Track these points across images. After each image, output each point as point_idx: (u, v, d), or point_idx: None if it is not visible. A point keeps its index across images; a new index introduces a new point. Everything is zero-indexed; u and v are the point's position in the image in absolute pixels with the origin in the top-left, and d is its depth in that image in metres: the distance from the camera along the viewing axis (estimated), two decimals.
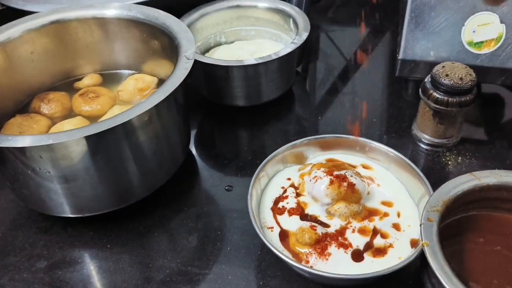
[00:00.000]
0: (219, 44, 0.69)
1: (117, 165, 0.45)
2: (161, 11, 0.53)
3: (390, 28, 0.81)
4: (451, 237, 0.42)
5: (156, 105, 0.43)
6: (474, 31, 0.55)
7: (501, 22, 0.54)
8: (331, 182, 0.42)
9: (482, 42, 0.55)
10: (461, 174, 0.52)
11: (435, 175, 0.53)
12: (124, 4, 0.55)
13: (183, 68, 0.45)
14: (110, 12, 0.54)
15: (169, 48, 0.51)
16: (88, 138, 0.40)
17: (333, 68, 0.73)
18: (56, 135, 0.39)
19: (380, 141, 0.58)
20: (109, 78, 0.59)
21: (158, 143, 0.48)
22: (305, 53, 0.75)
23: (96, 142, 0.42)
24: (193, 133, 0.61)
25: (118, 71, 0.59)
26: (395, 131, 0.59)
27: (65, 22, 0.54)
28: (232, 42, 0.69)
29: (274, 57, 0.56)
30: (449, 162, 0.54)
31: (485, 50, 0.55)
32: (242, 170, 0.55)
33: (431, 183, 0.52)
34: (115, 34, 0.55)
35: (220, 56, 0.66)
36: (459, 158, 0.55)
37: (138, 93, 0.56)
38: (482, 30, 0.55)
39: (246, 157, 0.57)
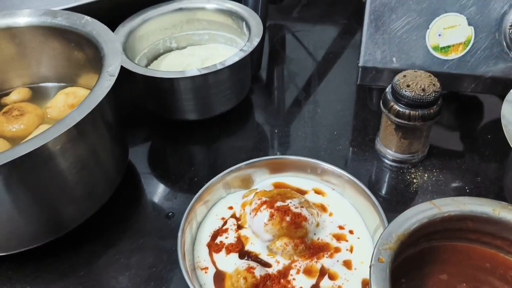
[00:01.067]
0: (169, 50, 0.63)
1: (36, 197, 0.40)
2: (88, 18, 0.47)
3: (359, 29, 0.75)
4: (412, 272, 0.37)
5: (75, 127, 0.37)
6: (439, 35, 0.50)
7: (469, 24, 0.49)
8: (272, 216, 0.37)
9: (449, 46, 0.50)
10: (427, 193, 0.48)
11: (398, 195, 0.48)
12: (48, 10, 0.49)
13: (103, 87, 0.39)
14: (28, 19, 0.48)
15: (98, 59, 0.45)
16: None
17: (296, 74, 0.67)
18: None
19: (342, 156, 0.53)
20: (39, 92, 0.53)
21: (84, 168, 0.42)
22: (268, 56, 0.69)
23: (6, 173, 0.36)
24: (137, 151, 0.55)
25: (49, 84, 0.53)
26: (357, 146, 0.54)
27: None
28: (184, 48, 0.64)
29: (220, 66, 0.50)
30: (414, 180, 0.49)
31: (452, 56, 0.50)
32: (187, 192, 0.49)
33: (393, 205, 0.47)
34: (39, 44, 0.49)
35: (170, 64, 0.60)
36: (425, 175, 0.50)
37: (69, 109, 0.50)
38: (448, 33, 0.49)
39: (192, 177, 0.51)
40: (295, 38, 0.76)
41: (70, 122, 0.37)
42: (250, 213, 0.39)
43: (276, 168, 0.44)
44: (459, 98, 0.59)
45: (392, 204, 0.47)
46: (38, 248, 0.42)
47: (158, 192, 0.51)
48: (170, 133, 0.57)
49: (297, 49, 0.74)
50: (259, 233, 0.37)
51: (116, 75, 0.40)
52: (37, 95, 0.53)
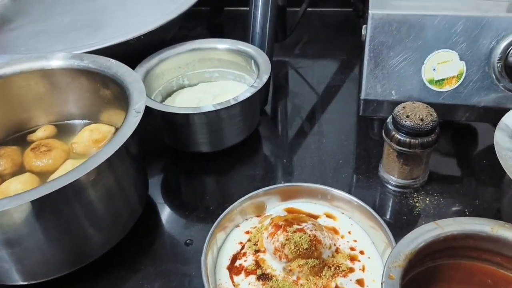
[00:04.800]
0: (182, 87, 0.68)
1: (67, 227, 0.43)
2: (113, 61, 0.51)
3: (357, 63, 0.80)
4: None
5: (106, 161, 0.41)
6: (434, 69, 0.54)
7: (461, 59, 0.54)
8: (287, 239, 0.40)
9: (443, 79, 0.54)
10: (429, 216, 0.52)
11: (403, 219, 0.51)
12: (76, 54, 0.53)
13: (132, 123, 0.43)
14: (59, 62, 0.53)
15: (122, 98, 0.49)
16: (31, 203, 0.38)
17: (300, 108, 0.72)
18: None
19: (348, 184, 0.57)
20: (64, 129, 0.57)
21: (111, 199, 0.45)
22: (273, 91, 0.74)
23: (39, 206, 0.39)
24: (155, 182, 0.59)
25: (74, 121, 0.57)
26: (362, 173, 0.57)
27: (12, 75, 0.52)
28: (195, 85, 0.68)
29: (233, 102, 0.55)
30: (417, 204, 0.53)
31: (446, 88, 0.55)
32: (203, 221, 0.52)
33: (399, 227, 0.50)
34: (67, 85, 0.54)
35: (183, 100, 0.65)
36: (427, 199, 0.53)
37: (93, 145, 0.53)
38: (442, 68, 0.54)
39: (208, 206, 0.54)
40: (297, 74, 0.81)
41: (103, 156, 0.40)
42: (267, 238, 0.42)
43: (288, 195, 0.48)
44: (454, 126, 0.63)
45: (398, 226, 0.50)
46: (68, 275, 0.45)
47: (175, 221, 0.54)
48: (184, 165, 0.61)
49: (300, 83, 0.79)
50: (276, 255, 0.40)
51: (142, 112, 0.44)
52: (62, 132, 0.57)
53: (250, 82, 0.65)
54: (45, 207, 0.40)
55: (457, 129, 0.63)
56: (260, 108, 0.66)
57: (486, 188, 0.54)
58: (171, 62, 0.64)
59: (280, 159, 0.61)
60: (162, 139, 0.61)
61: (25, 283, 0.44)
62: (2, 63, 0.54)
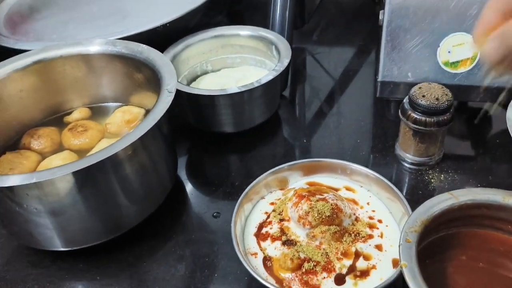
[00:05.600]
0: (205, 73, 0.71)
1: (105, 198, 0.46)
2: (144, 46, 0.55)
3: (373, 48, 0.82)
4: (435, 255, 0.43)
5: (140, 138, 0.44)
6: (449, 52, 0.56)
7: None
8: (311, 207, 0.43)
9: (458, 61, 0.57)
10: (444, 191, 0.54)
11: (419, 194, 0.54)
12: (109, 40, 0.57)
13: (165, 102, 0.46)
14: (96, 48, 0.56)
15: (153, 80, 0.53)
16: (73, 174, 0.42)
17: (319, 91, 0.74)
18: (39, 174, 0.40)
19: (365, 161, 0.59)
20: (97, 111, 0.61)
21: (145, 174, 0.49)
22: (291, 76, 0.77)
23: (81, 177, 0.43)
24: (181, 160, 0.62)
25: (107, 104, 0.61)
26: (379, 151, 0.60)
27: (51, 60, 0.56)
28: (218, 70, 0.71)
29: (256, 84, 0.58)
30: (432, 180, 0.55)
31: (461, 69, 0.57)
32: (229, 196, 0.56)
33: (414, 201, 0.52)
34: (102, 69, 0.57)
35: (207, 84, 0.68)
36: (442, 175, 0.56)
37: (125, 125, 0.57)
38: (457, 50, 0.56)
39: (233, 182, 0.58)
40: (315, 60, 0.84)
41: (139, 132, 0.44)
42: (291, 207, 0.45)
43: (310, 170, 0.51)
44: (469, 110, 0.65)
45: (413, 200, 0.52)
46: (105, 243, 0.49)
47: (203, 196, 0.57)
48: (209, 144, 0.64)
49: (318, 69, 0.81)
50: (300, 222, 0.43)
51: (174, 91, 0.48)
52: (96, 114, 0.60)
53: (270, 67, 0.68)
54: (85, 179, 0.44)
55: (472, 113, 0.65)
56: (280, 92, 0.69)
57: (499, 164, 0.56)
58: (196, 48, 0.68)
59: (300, 139, 0.64)
60: (188, 121, 0.65)
61: (66, 249, 0.48)
62: (38, 49, 0.57)
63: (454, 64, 0.57)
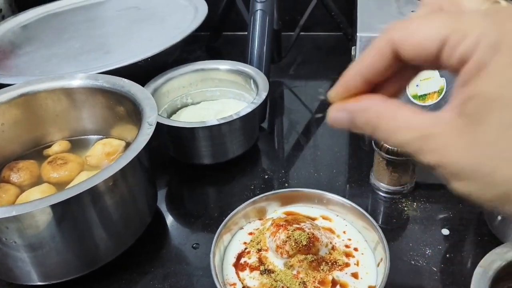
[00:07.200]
0: (186, 105, 0.73)
1: (84, 231, 0.47)
2: (126, 80, 0.56)
3: None
4: None
5: (121, 170, 0.45)
6: (417, 85, 0.60)
7: (441, 76, 0.59)
8: (288, 237, 0.44)
9: (425, 95, 0.60)
10: (417, 219, 0.56)
11: (393, 222, 0.55)
12: (91, 74, 0.58)
13: (145, 134, 0.48)
14: (78, 82, 0.57)
15: (134, 113, 0.54)
16: (52, 207, 0.42)
17: (296, 123, 0.77)
18: (19, 207, 0.40)
19: (342, 191, 0.61)
20: (78, 144, 0.61)
21: (124, 206, 0.49)
22: (270, 109, 0.79)
23: (61, 210, 0.43)
24: (161, 192, 0.63)
25: (87, 136, 0.62)
26: (355, 181, 0.62)
27: (34, 94, 0.57)
28: (198, 103, 0.73)
29: (235, 117, 0.59)
30: (405, 209, 0.57)
31: (429, 102, 0.60)
32: (209, 227, 0.56)
33: (389, 230, 0.55)
34: (83, 102, 0.58)
35: (187, 117, 0.69)
36: (415, 203, 0.58)
37: (105, 158, 0.58)
38: (424, 84, 0.59)
39: (212, 214, 0.58)
40: (292, 93, 0.87)
41: (119, 165, 0.45)
42: (269, 236, 0.46)
43: (287, 200, 0.52)
44: None
45: (388, 229, 0.54)
46: (83, 277, 0.48)
47: (182, 228, 0.58)
48: (188, 176, 0.65)
49: (295, 102, 0.84)
50: (278, 252, 0.44)
51: (155, 124, 0.49)
52: (76, 146, 0.61)
53: (249, 100, 0.70)
54: (65, 212, 0.44)
55: None
56: (258, 124, 0.71)
57: None
58: (176, 82, 0.70)
59: (278, 171, 0.66)
60: (167, 153, 0.66)
61: (44, 283, 0.47)
62: (21, 83, 0.58)
63: (422, 97, 0.60)
